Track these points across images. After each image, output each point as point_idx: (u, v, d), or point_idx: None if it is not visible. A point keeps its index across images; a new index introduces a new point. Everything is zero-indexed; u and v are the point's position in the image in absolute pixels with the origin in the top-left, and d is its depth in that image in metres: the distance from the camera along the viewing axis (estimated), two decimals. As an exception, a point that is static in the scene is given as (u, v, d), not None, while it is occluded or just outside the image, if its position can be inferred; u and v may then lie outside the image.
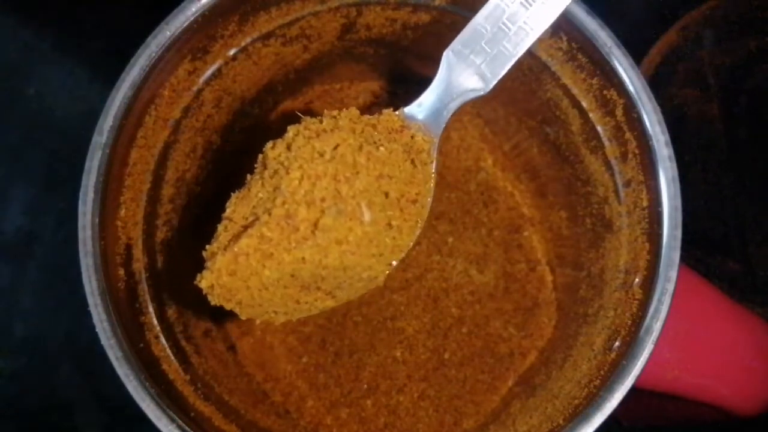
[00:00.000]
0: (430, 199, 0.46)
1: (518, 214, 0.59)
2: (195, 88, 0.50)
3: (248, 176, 0.44)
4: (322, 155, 0.42)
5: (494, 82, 0.45)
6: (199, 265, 0.54)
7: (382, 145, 0.44)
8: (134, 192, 0.49)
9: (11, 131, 0.71)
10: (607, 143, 0.50)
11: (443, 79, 0.46)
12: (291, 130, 0.43)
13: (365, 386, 0.56)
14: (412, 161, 0.45)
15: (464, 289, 0.58)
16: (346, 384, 0.56)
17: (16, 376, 0.68)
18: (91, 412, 0.67)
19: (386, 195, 0.43)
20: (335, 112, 0.45)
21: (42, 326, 0.68)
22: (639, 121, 0.47)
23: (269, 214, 0.41)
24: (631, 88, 0.47)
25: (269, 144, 0.44)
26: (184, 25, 0.47)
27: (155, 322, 0.49)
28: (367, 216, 0.43)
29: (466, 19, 0.46)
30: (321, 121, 0.44)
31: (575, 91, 0.50)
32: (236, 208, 0.43)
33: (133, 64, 0.46)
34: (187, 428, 0.44)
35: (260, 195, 0.42)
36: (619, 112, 0.48)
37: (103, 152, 0.45)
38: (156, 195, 0.50)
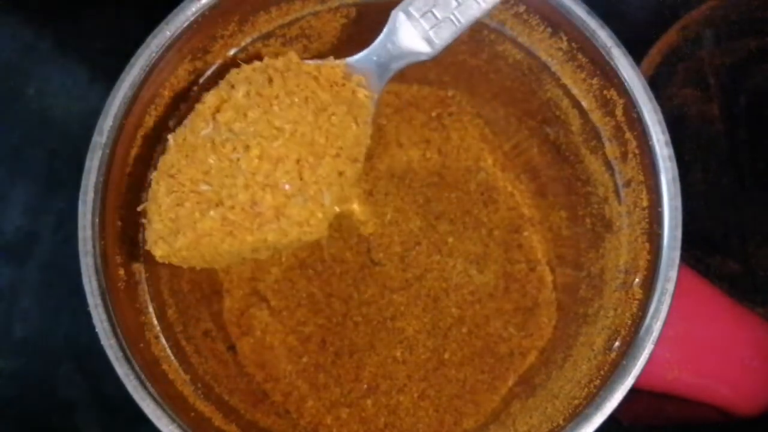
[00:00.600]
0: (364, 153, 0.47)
1: (518, 214, 0.59)
2: (195, 88, 0.50)
3: (185, 127, 0.44)
4: (281, 132, 0.43)
5: (440, 49, 0.46)
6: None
7: (333, 113, 0.44)
8: (134, 192, 0.49)
9: (11, 131, 0.71)
10: (607, 143, 0.50)
11: (390, 37, 0.46)
12: (240, 90, 0.44)
13: (365, 386, 0.56)
14: (355, 120, 0.46)
15: (464, 289, 0.58)
16: (346, 384, 0.56)
17: (16, 376, 0.67)
18: (91, 412, 0.67)
19: (341, 174, 0.44)
20: (278, 63, 0.45)
21: (42, 326, 0.68)
22: (639, 121, 0.47)
23: (233, 199, 0.42)
24: (631, 87, 0.47)
25: (211, 99, 0.44)
26: (184, 25, 0.47)
27: (155, 322, 0.49)
28: (327, 200, 0.44)
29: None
30: (270, 82, 0.44)
31: (575, 91, 0.50)
32: (181, 168, 0.43)
33: (133, 64, 0.46)
34: (187, 428, 0.44)
35: (211, 161, 0.43)
36: (619, 112, 0.48)
37: (103, 152, 0.45)
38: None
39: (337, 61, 0.46)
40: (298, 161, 0.42)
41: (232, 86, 0.44)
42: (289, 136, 0.43)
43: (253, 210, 0.42)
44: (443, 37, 0.46)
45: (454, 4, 0.45)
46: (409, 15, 0.46)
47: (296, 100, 0.44)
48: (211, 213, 0.42)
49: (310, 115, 0.43)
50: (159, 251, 0.43)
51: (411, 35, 0.46)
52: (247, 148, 0.42)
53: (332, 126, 0.44)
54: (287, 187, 0.42)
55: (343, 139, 0.44)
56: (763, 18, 0.71)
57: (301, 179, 0.43)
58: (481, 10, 0.45)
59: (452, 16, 0.45)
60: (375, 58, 0.47)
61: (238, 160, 0.42)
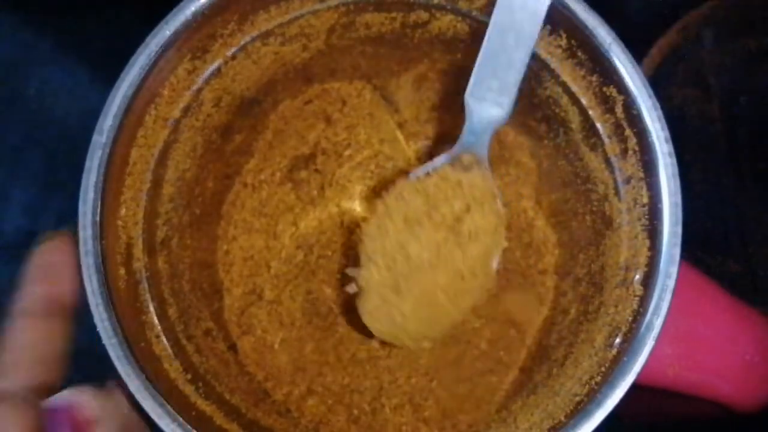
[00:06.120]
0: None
1: (519, 213, 0.59)
2: (195, 88, 0.50)
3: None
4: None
5: (510, 107, 0.50)
6: (199, 265, 0.54)
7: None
8: (134, 191, 0.49)
9: (11, 131, 0.71)
10: (606, 140, 0.50)
11: (472, 117, 0.50)
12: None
13: (367, 385, 0.56)
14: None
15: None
16: (348, 383, 0.56)
17: (17, 376, 0.67)
18: (91, 412, 0.67)
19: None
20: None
21: (42, 326, 0.68)
22: (639, 117, 0.47)
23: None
24: (630, 84, 0.47)
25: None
26: (184, 25, 0.47)
27: (156, 321, 0.49)
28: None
29: (464, 17, 0.47)
30: None
31: (575, 88, 0.50)
32: None
33: (132, 63, 0.46)
34: (188, 427, 0.44)
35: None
36: (618, 109, 0.48)
37: (103, 152, 0.45)
38: (156, 194, 0.50)
39: (444, 165, 0.52)
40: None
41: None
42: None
43: None
44: (508, 95, 0.49)
45: (503, 63, 0.48)
46: (474, 95, 0.49)
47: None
48: None
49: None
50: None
51: (485, 108, 0.50)
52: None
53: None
54: None
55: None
56: (763, 18, 0.72)
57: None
58: (526, 54, 0.48)
59: (506, 75, 0.48)
60: (470, 140, 0.51)
61: None
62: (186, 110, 0.51)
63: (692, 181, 0.69)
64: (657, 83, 0.69)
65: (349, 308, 0.57)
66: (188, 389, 0.48)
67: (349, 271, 0.54)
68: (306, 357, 0.56)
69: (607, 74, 0.48)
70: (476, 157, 0.52)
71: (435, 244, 0.50)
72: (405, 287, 0.51)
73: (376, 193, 0.59)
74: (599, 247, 0.51)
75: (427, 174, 0.52)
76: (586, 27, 0.47)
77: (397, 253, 0.51)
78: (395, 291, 0.51)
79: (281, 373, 0.55)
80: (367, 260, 0.52)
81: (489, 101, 0.49)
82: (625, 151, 0.49)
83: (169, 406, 0.44)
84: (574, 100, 0.50)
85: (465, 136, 0.51)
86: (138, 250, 0.49)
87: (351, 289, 0.54)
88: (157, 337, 0.48)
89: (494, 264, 0.53)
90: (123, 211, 0.48)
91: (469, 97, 0.50)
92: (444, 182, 0.51)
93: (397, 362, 0.56)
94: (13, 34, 0.72)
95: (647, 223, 0.48)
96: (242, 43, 0.51)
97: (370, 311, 0.52)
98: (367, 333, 0.56)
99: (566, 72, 0.50)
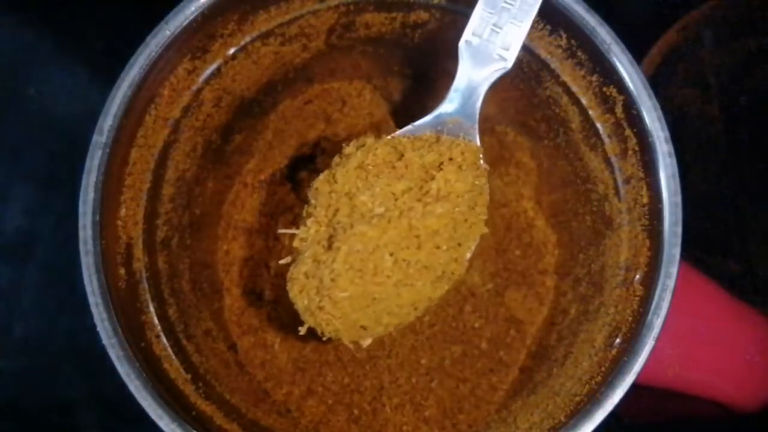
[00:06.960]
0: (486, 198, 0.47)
1: (519, 213, 0.59)
2: (195, 88, 0.51)
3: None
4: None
5: (514, 57, 0.46)
6: (199, 265, 0.54)
7: (439, 199, 0.44)
8: (134, 191, 0.49)
9: (11, 131, 0.71)
10: (606, 140, 0.50)
11: (466, 68, 0.47)
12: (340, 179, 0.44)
13: (367, 385, 0.56)
14: (459, 167, 0.45)
15: (464, 287, 0.58)
16: (348, 383, 0.56)
17: (16, 376, 0.68)
18: (91, 412, 0.67)
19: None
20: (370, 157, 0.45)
21: (42, 326, 0.68)
22: (639, 117, 0.47)
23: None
24: (630, 84, 0.47)
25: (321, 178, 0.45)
26: (184, 25, 0.47)
27: (156, 321, 0.49)
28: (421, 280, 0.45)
29: (464, 17, 0.47)
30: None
31: (575, 88, 0.50)
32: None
33: (132, 63, 0.46)
34: (188, 427, 0.44)
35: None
36: (618, 109, 0.48)
37: (103, 152, 0.45)
38: (156, 194, 0.50)
39: (426, 123, 0.47)
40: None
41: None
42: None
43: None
44: (513, 45, 0.46)
45: (508, 13, 0.46)
46: (472, 41, 0.46)
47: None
48: None
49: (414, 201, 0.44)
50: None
51: (483, 57, 0.46)
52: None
53: (436, 215, 0.43)
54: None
55: (447, 220, 0.44)
56: (763, 18, 0.72)
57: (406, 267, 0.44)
58: (536, 6, 0.45)
59: (512, 23, 0.46)
60: (461, 96, 0.47)
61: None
62: (186, 110, 0.51)
63: (692, 181, 0.69)
64: (657, 83, 0.70)
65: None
66: (188, 389, 0.48)
67: (282, 231, 0.47)
68: (306, 357, 0.56)
69: (607, 74, 0.48)
70: (463, 125, 0.47)
71: (391, 195, 0.43)
72: (341, 239, 0.42)
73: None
74: (599, 247, 0.51)
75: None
76: (586, 27, 0.47)
77: (342, 205, 0.44)
78: (329, 246, 0.43)
79: (281, 373, 0.55)
80: (307, 217, 0.45)
81: (489, 49, 0.46)
82: (625, 151, 0.49)
83: (169, 407, 0.44)
84: (574, 100, 0.50)
85: (451, 95, 0.47)
86: (138, 250, 0.49)
87: (285, 260, 0.46)
88: (157, 337, 0.48)
89: (468, 252, 0.46)
90: (123, 211, 0.48)
91: (464, 41, 0.46)
92: (419, 139, 0.46)
93: (397, 362, 0.56)
94: (13, 34, 0.72)
95: (647, 223, 0.48)
96: (242, 43, 0.51)
97: (297, 279, 0.44)
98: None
99: (566, 72, 0.50)
